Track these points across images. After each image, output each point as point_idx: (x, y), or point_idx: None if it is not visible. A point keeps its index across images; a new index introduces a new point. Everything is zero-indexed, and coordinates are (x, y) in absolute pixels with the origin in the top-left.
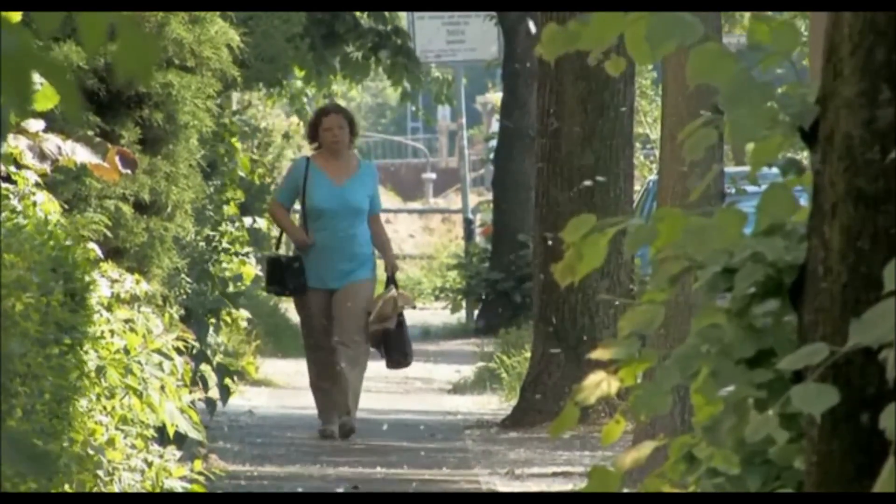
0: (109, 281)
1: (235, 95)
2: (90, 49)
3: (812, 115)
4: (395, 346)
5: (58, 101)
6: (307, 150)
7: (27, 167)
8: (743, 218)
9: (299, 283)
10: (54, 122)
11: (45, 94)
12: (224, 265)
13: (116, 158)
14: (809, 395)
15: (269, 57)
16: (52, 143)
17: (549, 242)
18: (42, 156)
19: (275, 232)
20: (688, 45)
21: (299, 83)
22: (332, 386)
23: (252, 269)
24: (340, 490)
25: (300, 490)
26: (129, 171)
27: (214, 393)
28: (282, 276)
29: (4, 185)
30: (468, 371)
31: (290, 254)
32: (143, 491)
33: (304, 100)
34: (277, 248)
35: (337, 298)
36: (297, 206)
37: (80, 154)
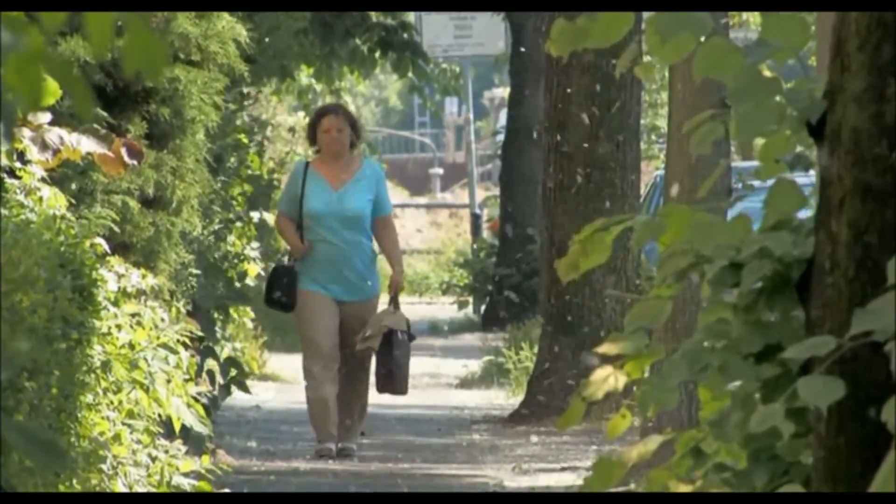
0: (116, 276)
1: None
2: (97, 48)
3: (819, 109)
4: (381, 370)
5: (60, 95)
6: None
7: (32, 162)
8: (749, 225)
9: (287, 299)
10: (60, 117)
11: (48, 89)
12: (230, 260)
13: (122, 149)
14: (816, 388)
15: (274, 52)
16: (54, 133)
17: (556, 240)
18: (44, 145)
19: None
20: (697, 39)
21: (305, 79)
22: (333, 401)
23: (256, 267)
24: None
25: (314, 486)
26: (135, 162)
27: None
28: (273, 290)
29: (9, 180)
30: (475, 366)
31: (288, 263)
32: (149, 486)
33: (311, 96)
34: (290, 258)
35: (343, 319)
36: None
37: (85, 144)
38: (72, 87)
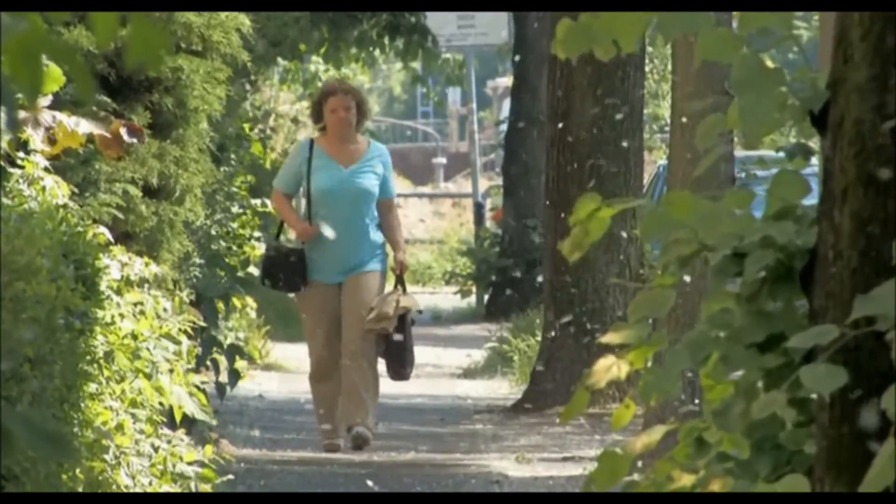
0: (119, 264)
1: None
2: (102, 40)
3: (822, 99)
4: (395, 355)
5: (63, 82)
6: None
7: (35, 151)
8: (750, 196)
9: (294, 280)
10: (62, 104)
11: (50, 76)
12: (234, 249)
13: (122, 129)
14: (818, 375)
15: (273, 41)
16: (47, 113)
17: (561, 238)
18: (36, 123)
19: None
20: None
21: (313, 67)
22: (339, 395)
23: (260, 247)
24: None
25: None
26: (135, 140)
27: (224, 377)
28: (276, 269)
29: (11, 169)
30: (478, 355)
31: (291, 245)
32: (152, 476)
33: (319, 84)
34: (278, 237)
35: (344, 293)
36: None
37: (84, 127)
38: (74, 72)
